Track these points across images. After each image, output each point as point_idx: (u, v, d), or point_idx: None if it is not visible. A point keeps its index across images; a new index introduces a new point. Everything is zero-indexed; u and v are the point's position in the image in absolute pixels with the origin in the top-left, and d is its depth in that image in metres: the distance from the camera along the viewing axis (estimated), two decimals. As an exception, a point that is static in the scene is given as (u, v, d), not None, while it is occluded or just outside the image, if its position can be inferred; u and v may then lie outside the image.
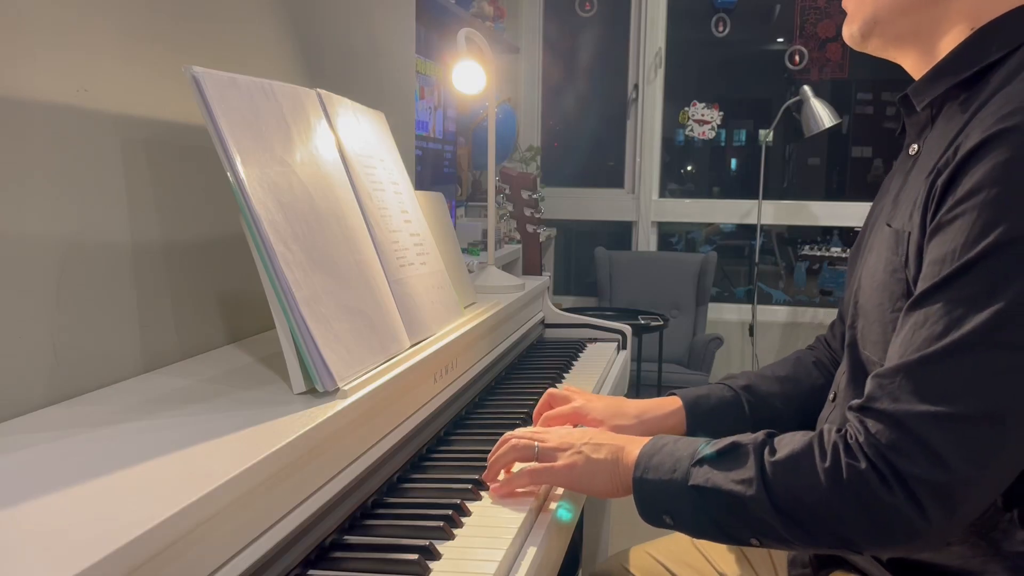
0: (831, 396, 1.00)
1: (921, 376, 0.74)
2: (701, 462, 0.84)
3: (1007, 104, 0.77)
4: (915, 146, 0.93)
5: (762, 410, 1.14)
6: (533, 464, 0.93)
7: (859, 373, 0.92)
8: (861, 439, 0.76)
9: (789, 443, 0.81)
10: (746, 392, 1.14)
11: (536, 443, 0.94)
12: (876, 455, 0.75)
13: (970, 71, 0.85)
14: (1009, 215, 0.72)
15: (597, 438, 0.94)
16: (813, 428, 1.13)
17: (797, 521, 0.78)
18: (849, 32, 0.96)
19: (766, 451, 0.82)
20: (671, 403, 1.14)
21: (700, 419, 1.13)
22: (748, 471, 0.81)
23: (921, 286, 0.78)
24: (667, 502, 0.85)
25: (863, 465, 0.75)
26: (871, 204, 1.05)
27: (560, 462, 0.92)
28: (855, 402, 0.79)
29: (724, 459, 0.83)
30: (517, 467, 0.95)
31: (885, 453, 0.74)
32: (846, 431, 0.79)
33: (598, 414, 1.11)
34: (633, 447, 0.90)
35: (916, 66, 0.94)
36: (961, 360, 0.73)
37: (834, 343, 1.18)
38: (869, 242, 0.96)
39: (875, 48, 0.95)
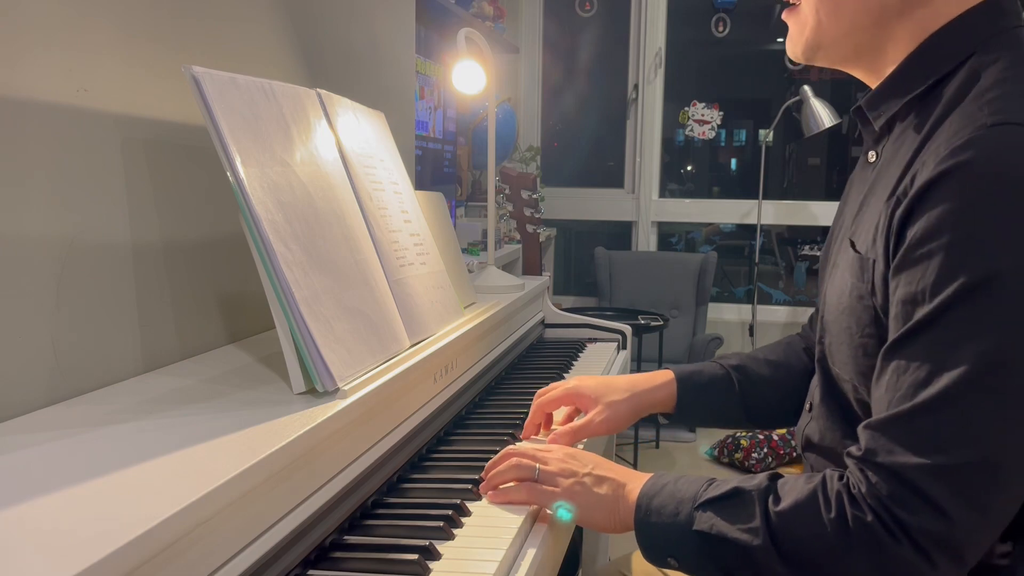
0: (807, 406, 1.00)
1: (912, 428, 0.74)
2: (704, 506, 0.83)
3: (962, 130, 0.76)
4: (873, 153, 0.93)
5: (752, 391, 1.16)
6: (533, 484, 0.92)
7: (832, 388, 0.93)
8: (864, 490, 0.76)
9: (793, 490, 0.80)
10: (738, 372, 1.16)
11: (537, 465, 0.92)
12: (879, 507, 0.74)
13: (920, 88, 0.85)
14: (971, 259, 0.72)
15: (599, 469, 0.92)
16: (800, 411, 1.13)
17: (804, 570, 0.78)
18: (793, 52, 0.95)
19: (770, 500, 0.81)
20: (662, 376, 1.16)
21: (691, 394, 1.15)
22: (753, 520, 0.80)
23: (895, 328, 0.78)
24: (671, 546, 0.85)
25: (869, 517, 0.74)
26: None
27: (560, 489, 0.90)
28: (854, 451, 0.78)
29: (728, 505, 0.82)
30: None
31: (888, 505, 0.74)
32: (848, 479, 0.78)
33: (590, 391, 1.13)
34: (635, 485, 0.89)
35: (866, 78, 0.93)
36: (948, 411, 0.72)
37: (811, 337, 1.18)
38: (834, 257, 0.95)
39: (821, 64, 0.95)
